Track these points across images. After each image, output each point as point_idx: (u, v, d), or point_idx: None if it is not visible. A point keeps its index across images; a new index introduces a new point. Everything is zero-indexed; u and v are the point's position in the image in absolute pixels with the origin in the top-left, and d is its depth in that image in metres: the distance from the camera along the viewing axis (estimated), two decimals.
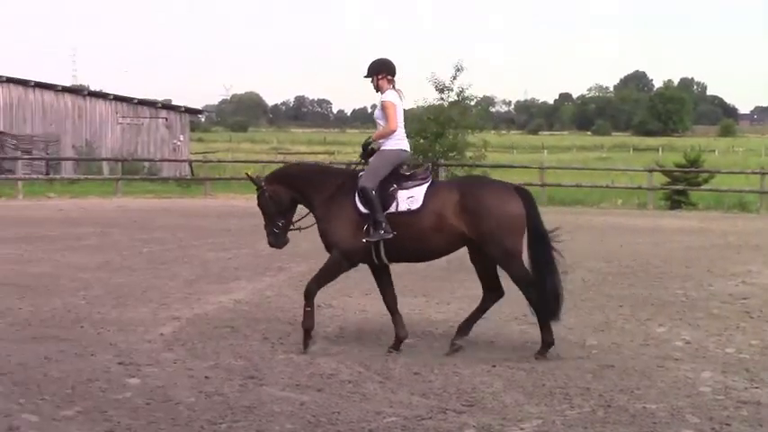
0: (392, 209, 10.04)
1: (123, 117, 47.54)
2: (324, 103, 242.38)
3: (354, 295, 13.76)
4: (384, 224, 9.96)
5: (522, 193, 10.26)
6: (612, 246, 20.67)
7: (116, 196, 36.28)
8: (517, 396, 8.52)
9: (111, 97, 47.91)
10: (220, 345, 10.35)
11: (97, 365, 9.31)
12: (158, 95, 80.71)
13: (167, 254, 18.00)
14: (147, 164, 44.63)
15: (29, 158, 40.55)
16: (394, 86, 10.61)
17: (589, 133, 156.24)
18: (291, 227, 10.72)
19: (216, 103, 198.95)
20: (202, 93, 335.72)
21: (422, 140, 40.19)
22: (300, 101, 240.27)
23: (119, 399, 8.17)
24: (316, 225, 10.51)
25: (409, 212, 10.01)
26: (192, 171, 46.71)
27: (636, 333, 11.40)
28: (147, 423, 7.54)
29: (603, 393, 8.62)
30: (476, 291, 14.32)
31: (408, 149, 10.69)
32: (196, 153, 60.63)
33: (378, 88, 10.63)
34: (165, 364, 9.44)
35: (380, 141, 10.48)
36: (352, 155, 65.21)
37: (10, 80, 44.25)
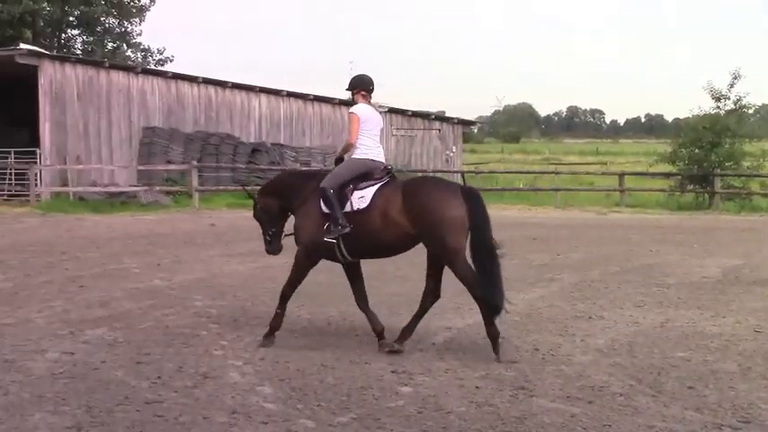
0: (347, 208, 10.59)
1: (398, 129, 48.37)
2: (597, 113, 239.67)
3: (626, 306, 13.56)
4: (341, 220, 10.52)
5: (467, 193, 10.39)
6: None
7: None
8: None
9: (386, 109, 48.81)
10: (491, 355, 10.36)
11: (371, 373, 9.50)
12: (432, 107, 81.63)
13: None
14: (420, 174, 45.30)
15: (307, 170, 41.78)
16: (369, 101, 11.20)
17: None
18: (284, 235, 11.54)
19: (488, 114, 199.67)
20: (475, 104, 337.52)
21: (696, 150, 39.25)
22: (573, 111, 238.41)
23: (391, 407, 8.31)
24: None
25: (359, 211, 10.53)
26: (464, 182, 46.98)
27: None
28: (419, 431, 7.65)
29: None
30: (753, 304, 13.93)
31: (379, 159, 10.99)
32: (468, 164, 61.11)
33: (354, 103, 11.27)
34: (437, 374, 9.54)
35: (350, 152, 11.10)
36: (624, 165, 64.30)
37: (290, 94, 45.75)
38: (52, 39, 63.82)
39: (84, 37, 65.44)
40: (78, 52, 62.33)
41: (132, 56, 65.00)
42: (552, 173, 46.99)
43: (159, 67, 59.14)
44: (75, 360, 9.86)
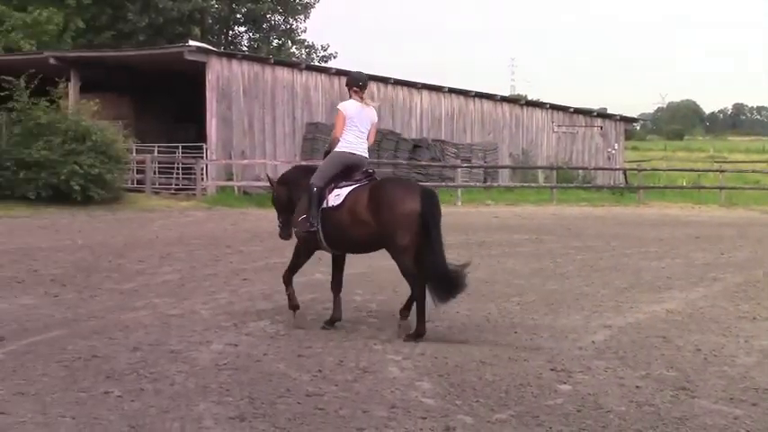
0: (324, 204, 11.42)
1: (559, 126, 48.00)
2: (764, 110, 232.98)
3: None
4: (311, 218, 11.45)
5: (424, 193, 11.00)
6: None
7: (551, 204, 36.73)
8: None
9: (548, 106, 48.50)
10: (652, 354, 10.22)
11: (530, 371, 9.45)
12: (594, 104, 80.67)
13: (600, 262, 18.00)
14: (581, 172, 44.84)
15: (468, 167, 41.81)
16: (362, 97, 11.86)
17: None
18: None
19: (651, 111, 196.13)
20: (638, 101, 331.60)
21: None
22: (739, 108, 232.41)
23: (550, 404, 8.25)
24: None
25: (334, 208, 11.33)
26: (626, 179, 46.48)
27: None
28: (578, 430, 7.57)
29: None
30: None
31: (358, 152, 11.71)
32: (630, 162, 60.20)
33: (349, 98, 12.02)
34: (596, 372, 9.44)
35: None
36: None
37: (452, 91, 45.76)
38: (220, 36, 65.26)
39: (251, 34, 66.73)
40: (244, 49, 63.59)
41: (297, 52, 65.93)
42: (717, 171, 45.96)
43: (323, 64, 59.88)
44: (238, 352, 10.06)
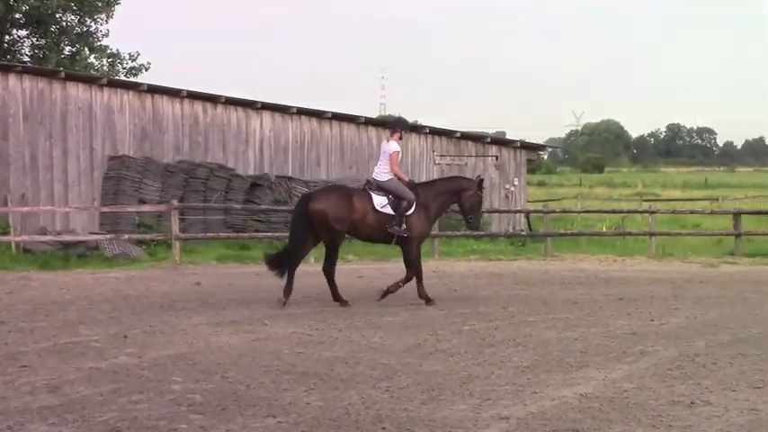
0: None
1: (442, 156, 48.25)
2: (705, 132, 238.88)
3: (741, 388, 13.48)
4: None
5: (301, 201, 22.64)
6: None
7: (431, 258, 36.80)
8: None
9: (427, 131, 48.68)
10: None
11: None
12: (488, 128, 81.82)
13: (495, 333, 18.12)
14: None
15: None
16: (390, 137, 22.52)
17: None
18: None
19: (562, 135, 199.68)
20: (545, 123, 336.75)
21: None
22: (674, 131, 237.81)
23: None
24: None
25: None
26: (529, 225, 47.04)
27: None
28: None
29: None
30: None
31: (374, 176, 22.25)
32: (535, 201, 61.15)
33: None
34: None
35: None
36: (742, 201, 63.98)
37: (301, 112, 45.16)
38: None
39: (35, 39, 65.93)
40: (26, 59, 62.83)
41: (96, 63, 65.43)
42: (646, 212, 46.75)
43: (131, 78, 59.54)
44: None
